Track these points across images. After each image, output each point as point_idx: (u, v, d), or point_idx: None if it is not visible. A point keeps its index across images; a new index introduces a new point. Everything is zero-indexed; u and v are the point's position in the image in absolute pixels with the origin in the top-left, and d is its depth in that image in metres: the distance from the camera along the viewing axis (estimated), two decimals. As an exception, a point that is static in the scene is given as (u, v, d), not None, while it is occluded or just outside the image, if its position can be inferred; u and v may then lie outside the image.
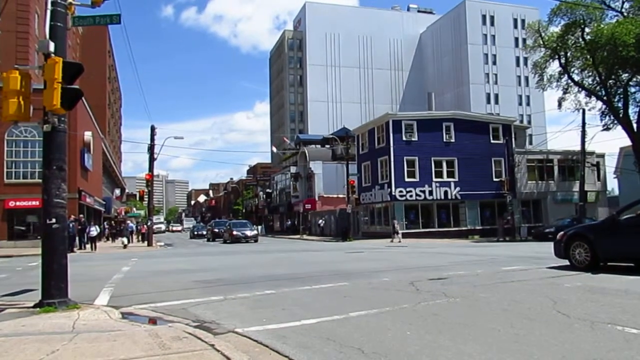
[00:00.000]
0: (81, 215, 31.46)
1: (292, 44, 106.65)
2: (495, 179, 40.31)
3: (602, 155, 45.59)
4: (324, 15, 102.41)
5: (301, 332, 5.58)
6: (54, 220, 7.32)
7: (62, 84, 7.07)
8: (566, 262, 11.57)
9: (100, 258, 21.92)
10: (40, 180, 7.75)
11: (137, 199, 67.07)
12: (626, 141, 37.31)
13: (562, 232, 12.15)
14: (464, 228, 39.09)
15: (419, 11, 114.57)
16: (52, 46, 7.35)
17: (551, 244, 12.63)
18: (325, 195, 53.89)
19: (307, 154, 58.34)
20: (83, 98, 8.97)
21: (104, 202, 49.09)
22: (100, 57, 64.07)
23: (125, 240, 33.02)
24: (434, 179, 39.19)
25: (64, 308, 7.08)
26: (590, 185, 40.60)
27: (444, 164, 39.63)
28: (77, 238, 28.20)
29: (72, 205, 28.15)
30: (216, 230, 45.94)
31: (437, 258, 16.63)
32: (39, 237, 16.69)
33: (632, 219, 10.57)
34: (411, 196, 38.48)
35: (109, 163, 57.78)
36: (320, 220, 48.12)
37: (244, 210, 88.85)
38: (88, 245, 29.36)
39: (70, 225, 24.17)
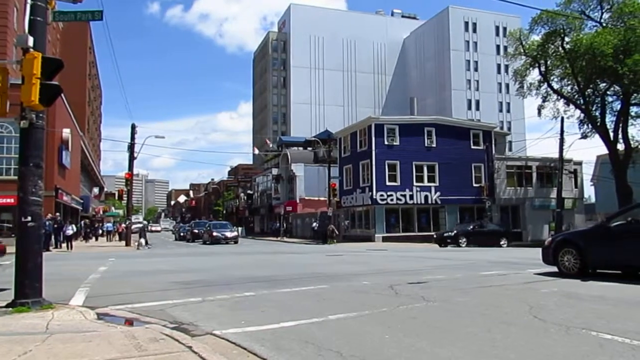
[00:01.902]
0: (57, 214, 30.94)
1: (276, 46, 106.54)
2: (475, 185, 40.79)
3: (580, 163, 46.42)
4: (309, 17, 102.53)
5: (280, 334, 5.55)
6: (29, 218, 7.17)
7: (40, 79, 6.93)
8: (546, 269, 11.64)
9: (77, 257, 21.57)
10: (16, 177, 7.58)
11: (116, 198, 66.32)
12: (603, 149, 38.07)
13: (550, 238, 11.86)
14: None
15: (402, 16, 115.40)
16: (31, 41, 7.21)
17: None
18: (306, 198, 53.88)
19: (289, 156, 58.28)
20: (62, 94, 8.82)
21: (82, 201, 48.39)
22: (80, 53, 63.19)
23: (143, 241, 32.04)
24: (415, 183, 39.46)
25: (37, 308, 6.94)
26: (567, 192, 41.30)
27: (425, 169, 39.92)
28: (52, 237, 27.72)
29: (48, 203, 27.66)
30: (196, 231, 45.57)
31: (417, 262, 16.72)
32: (13, 235, 16.36)
33: (623, 226, 10.41)
34: (392, 200, 38.68)
35: (88, 161, 57.00)
36: (314, 223, 47.84)
37: (224, 212, 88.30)
38: (64, 245, 28.89)
39: (47, 223, 23.76)
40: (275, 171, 62.34)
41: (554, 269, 11.30)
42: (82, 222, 47.02)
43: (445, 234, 32.35)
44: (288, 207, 54.68)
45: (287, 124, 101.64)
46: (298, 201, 54.32)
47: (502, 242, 32.62)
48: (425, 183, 39.79)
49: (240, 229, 54.40)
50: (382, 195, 38.50)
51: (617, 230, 10.37)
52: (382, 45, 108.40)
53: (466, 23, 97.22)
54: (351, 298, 8.42)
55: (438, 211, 40.38)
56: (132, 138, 34.00)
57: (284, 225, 52.54)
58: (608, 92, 36.58)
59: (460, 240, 30.88)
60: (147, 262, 18.34)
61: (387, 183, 38.76)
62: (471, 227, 33.23)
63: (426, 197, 39.61)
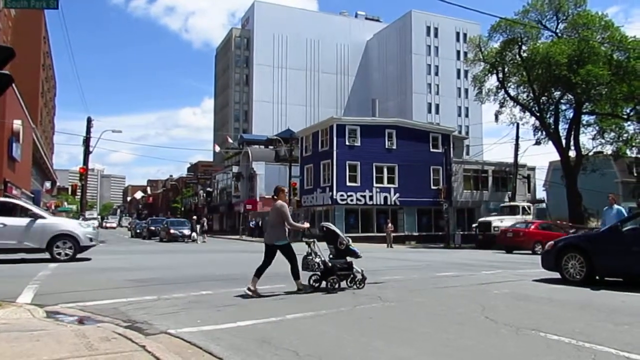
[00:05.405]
0: None
1: (239, 43, 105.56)
2: (433, 187, 41.46)
3: (533, 169, 47.95)
4: (273, 15, 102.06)
5: (236, 333, 5.50)
6: (-25, 212, 6.87)
7: (-10, 67, 6.65)
8: (544, 274, 11.19)
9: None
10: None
11: (70, 192, 64.21)
12: (555, 156, 39.37)
13: (551, 242, 11.03)
14: (401, 234, 39.88)
15: (366, 18, 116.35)
16: (-19, 27, 6.91)
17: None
18: (266, 196, 53.45)
19: (250, 154, 57.85)
20: (13, 84, 8.46)
21: (32, 195, 46.63)
22: (34, 42, 60.75)
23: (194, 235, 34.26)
24: (375, 185, 39.85)
25: (-18, 306, 6.65)
26: (520, 197, 42.53)
27: (385, 170, 40.35)
28: None
29: (-4, 196, 26.53)
30: (152, 228, 44.50)
31: (375, 262, 16.87)
32: (-43, 229, 15.60)
33: (637, 230, 9.79)
34: (352, 200, 38.95)
35: (40, 154, 54.96)
36: (252, 222, 47.11)
37: (182, 209, 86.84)
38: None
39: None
40: (235, 169, 61.78)
41: (554, 274, 10.73)
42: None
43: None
44: (248, 206, 54.22)
45: (249, 122, 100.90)
46: (258, 199, 53.94)
47: None
48: (385, 184, 40.23)
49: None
50: (342, 195, 38.71)
51: (630, 234, 9.71)
52: (345, 47, 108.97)
53: (428, 28, 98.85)
54: (309, 298, 8.44)
55: (397, 212, 40.88)
56: (88, 132, 33.08)
57: (262, 224, 51.87)
58: (562, 101, 37.88)
59: None
60: (101, 259, 17.84)
61: (348, 183, 39.01)
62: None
63: (385, 198, 40.06)
